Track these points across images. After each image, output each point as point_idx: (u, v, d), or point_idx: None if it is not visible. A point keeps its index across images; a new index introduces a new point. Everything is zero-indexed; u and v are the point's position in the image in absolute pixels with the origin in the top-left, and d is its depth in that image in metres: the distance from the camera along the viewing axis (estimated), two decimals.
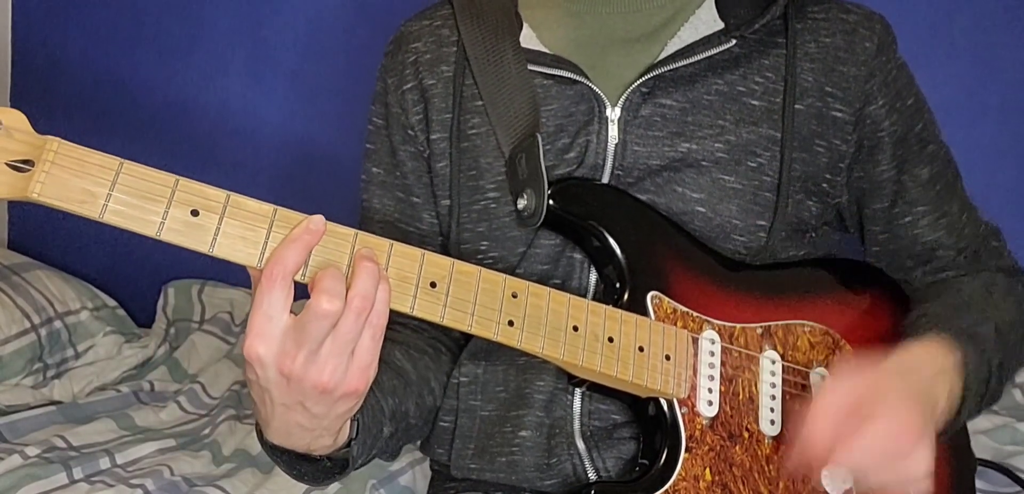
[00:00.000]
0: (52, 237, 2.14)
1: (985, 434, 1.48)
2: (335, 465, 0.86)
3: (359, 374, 0.74)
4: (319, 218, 0.74)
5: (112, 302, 2.01)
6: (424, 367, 1.01)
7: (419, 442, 1.08)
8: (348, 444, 0.84)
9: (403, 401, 0.95)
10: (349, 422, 0.83)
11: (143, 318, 2.07)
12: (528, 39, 1.02)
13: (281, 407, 0.75)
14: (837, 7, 1.00)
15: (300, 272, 0.73)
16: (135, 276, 2.09)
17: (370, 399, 0.87)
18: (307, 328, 0.71)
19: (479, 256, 0.99)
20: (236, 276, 2.03)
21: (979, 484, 1.08)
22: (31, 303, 1.80)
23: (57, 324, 1.82)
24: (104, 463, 1.41)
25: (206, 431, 1.58)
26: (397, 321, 1.03)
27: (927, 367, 0.87)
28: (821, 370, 0.95)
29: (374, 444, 0.89)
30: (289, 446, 0.81)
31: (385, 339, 0.98)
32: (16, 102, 2.19)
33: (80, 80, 2.14)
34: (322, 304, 0.70)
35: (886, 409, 0.79)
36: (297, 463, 0.85)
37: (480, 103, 1.01)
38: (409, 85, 1.05)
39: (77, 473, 1.36)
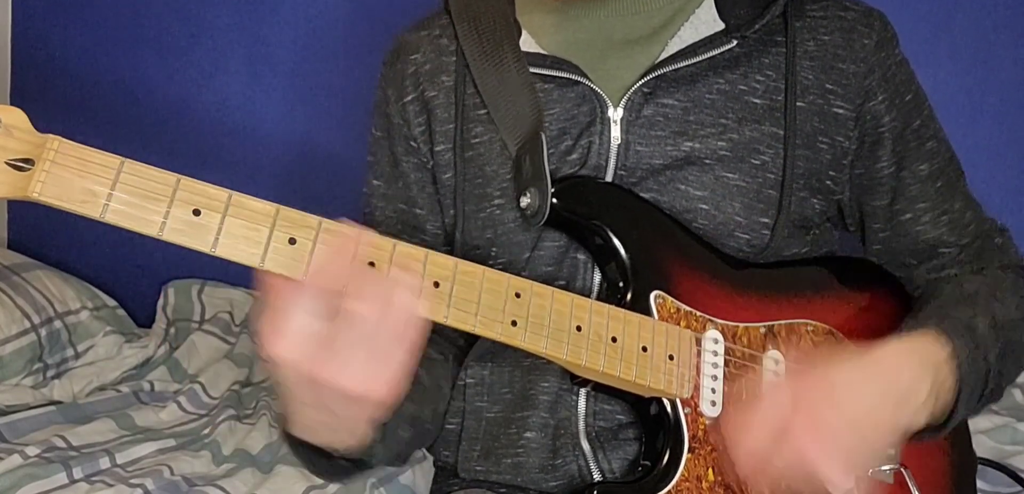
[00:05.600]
0: (52, 237, 2.14)
1: (985, 434, 1.48)
2: (353, 464, 0.86)
3: (387, 385, 0.71)
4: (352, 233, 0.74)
5: (112, 302, 2.01)
6: (436, 374, 1.00)
7: None
8: (371, 446, 0.84)
9: (421, 407, 0.94)
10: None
11: (143, 318, 2.06)
12: (527, 44, 1.02)
13: (302, 405, 0.75)
14: (835, 5, 1.00)
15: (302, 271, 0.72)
16: (135, 276, 2.09)
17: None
18: (342, 335, 0.69)
19: (487, 263, 0.98)
20: (236, 276, 2.03)
21: (979, 484, 1.08)
22: (31, 303, 1.79)
23: (57, 324, 1.82)
24: (104, 463, 1.41)
25: (206, 431, 1.58)
26: None
27: (904, 365, 0.86)
28: None
29: (392, 444, 0.89)
30: (311, 441, 0.81)
31: None
32: (16, 100, 2.19)
33: (80, 79, 2.14)
34: (357, 308, 0.68)
35: (806, 425, 0.80)
36: (316, 459, 0.85)
37: (483, 111, 1.00)
38: (410, 97, 1.04)
39: (77, 473, 1.36)
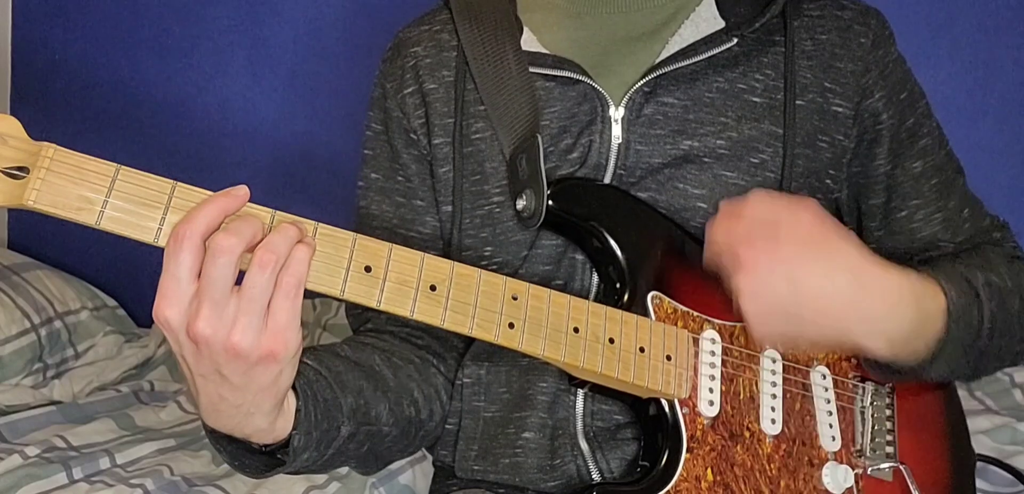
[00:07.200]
0: (52, 237, 2.14)
1: (985, 434, 1.48)
2: (275, 460, 0.82)
3: (274, 336, 0.69)
4: (244, 187, 0.71)
5: (112, 302, 2.01)
6: (405, 376, 0.97)
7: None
8: (292, 439, 0.79)
9: (371, 404, 0.90)
10: (293, 414, 0.79)
11: (143, 318, 2.07)
12: (529, 42, 1.01)
13: (200, 378, 0.72)
14: (832, 4, 1.00)
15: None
16: (135, 276, 2.09)
17: (324, 393, 0.83)
18: (206, 272, 0.67)
19: (483, 261, 0.99)
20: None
21: (979, 484, 1.08)
22: (31, 303, 1.80)
23: (57, 324, 1.82)
24: (104, 463, 1.41)
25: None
26: (386, 329, 1.03)
27: (896, 298, 0.85)
28: (822, 368, 0.95)
29: (327, 441, 0.84)
30: (222, 428, 0.76)
31: (365, 345, 0.97)
32: (16, 103, 2.19)
33: (80, 80, 2.14)
34: (218, 239, 0.67)
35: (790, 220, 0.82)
36: (240, 454, 0.80)
37: (483, 107, 1.00)
38: (409, 89, 1.04)
39: (77, 473, 1.36)
